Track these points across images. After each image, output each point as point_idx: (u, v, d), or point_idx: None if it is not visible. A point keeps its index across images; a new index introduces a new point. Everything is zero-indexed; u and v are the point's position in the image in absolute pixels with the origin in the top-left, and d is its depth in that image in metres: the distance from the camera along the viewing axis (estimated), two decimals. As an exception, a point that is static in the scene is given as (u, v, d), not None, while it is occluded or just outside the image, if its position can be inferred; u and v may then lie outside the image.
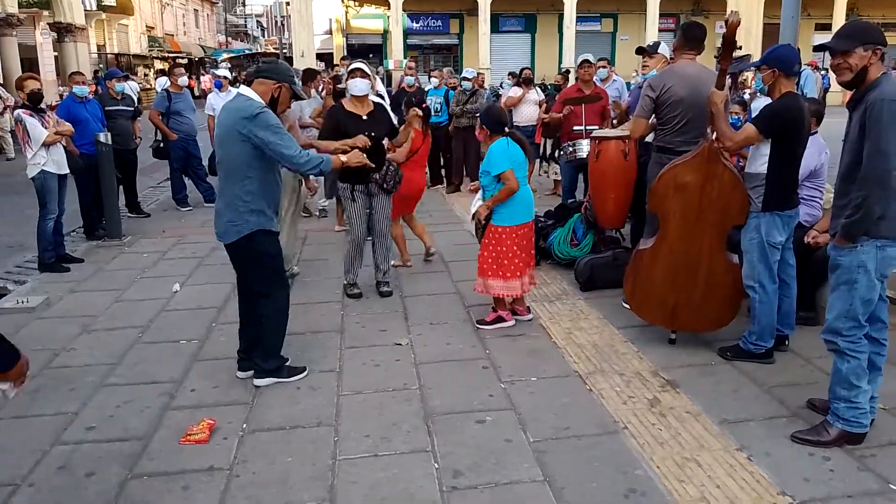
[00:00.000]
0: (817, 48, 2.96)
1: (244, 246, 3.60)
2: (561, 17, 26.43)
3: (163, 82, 20.62)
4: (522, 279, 4.45)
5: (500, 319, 4.55)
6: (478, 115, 9.62)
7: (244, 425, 3.36)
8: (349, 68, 5.06)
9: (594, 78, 7.23)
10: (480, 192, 4.51)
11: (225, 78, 9.35)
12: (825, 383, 3.27)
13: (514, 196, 4.29)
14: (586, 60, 6.91)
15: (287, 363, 3.88)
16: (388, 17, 26.19)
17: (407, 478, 2.91)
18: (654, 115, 4.52)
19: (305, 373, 3.86)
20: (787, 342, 4.07)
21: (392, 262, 5.52)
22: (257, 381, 3.75)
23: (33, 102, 5.98)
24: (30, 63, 20.59)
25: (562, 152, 6.43)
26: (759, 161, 3.69)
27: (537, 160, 9.39)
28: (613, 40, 29.00)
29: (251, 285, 3.75)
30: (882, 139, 2.78)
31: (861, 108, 2.88)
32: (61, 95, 14.36)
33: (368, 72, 4.98)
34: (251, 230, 3.54)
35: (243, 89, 3.55)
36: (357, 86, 4.87)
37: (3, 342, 1.96)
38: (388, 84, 17.20)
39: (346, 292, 5.23)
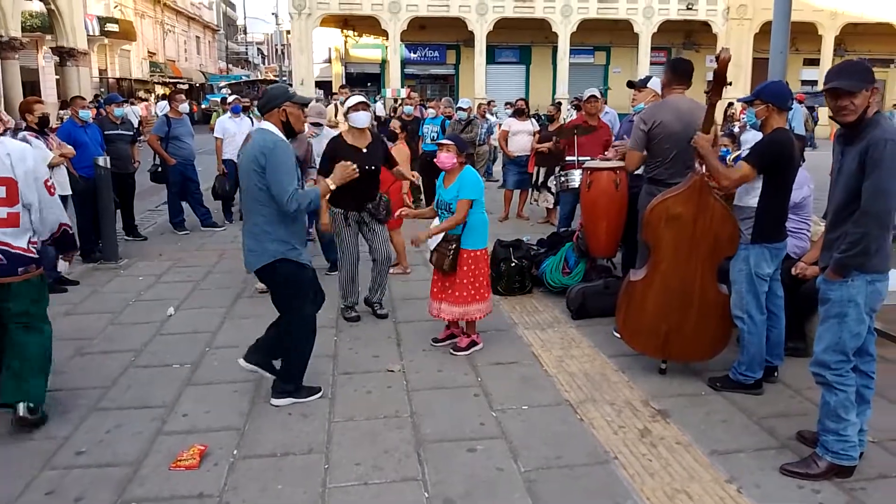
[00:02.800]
0: (828, 89, 2.98)
1: (266, 273, 3.73)
2: (555, 49, 26.87)
3: (163, 107, 20.98)
4: (491, 298, 4.65)
5: (473, 343, 4.63)
6: (472, 143, 9.77)
7: (235, 451, 3.35)
8: (351, 102, 5.11)
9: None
10: (437, 220, 4.59)
11: (242, 103, 9.46)
12: (814, 415, 3.29)
13: (483, 221, 4.51)
14: (594, 95, 7.08)
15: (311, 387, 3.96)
16: (387, 46, 26.58)
17: (397, 506, 2.91)
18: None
19: (321, 393, 3.92)
20: (776, 373, 4.09)
21: (392, 270, 5.69)
22: (274, 401, 3.80)
23: (41, 126, 6.09)
24: (31, 86, 20.78)
25: (554, 182, 6.52)
26: (750, 195, 3.75)
27: (530, 189, 9.48)
28: (606, 72, 29.44)
29: (277, 307, 3.87)
30: (885, 179, 2.82)
31: (860, 145, 2.90)
32: (62, 119, 14.46)
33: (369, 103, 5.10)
34: (271, 259, 3.63)
35: (265, 124, 3.65)
36: (360, 118, 5.00)
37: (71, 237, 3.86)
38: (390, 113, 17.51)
39: (343, 315, 5.30)
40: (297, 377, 3.86)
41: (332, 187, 3.79)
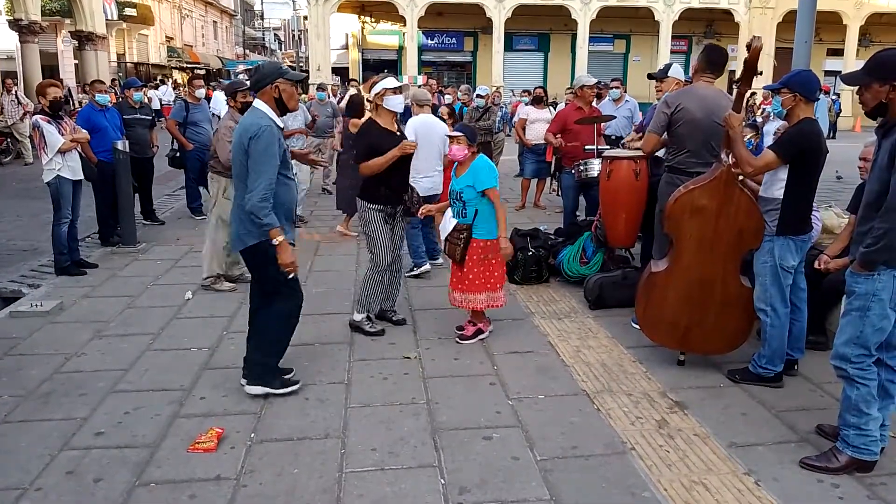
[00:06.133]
0: (843, 77, 2.94)
1: (251, 254, 3.65)
2: (574, 36, 26.56)
3: (163, 91, 21.13)
4: (503, 289, 4.59)
5: (479, 332, 4.61)
6: (488, 131, 9.72)
7: (252, 435, 3.37)
8: (391, 84, 4.72)
9: (608, 98, 7.28)
10: (450, 210, 4.53)
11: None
12: (835, 409, 3.25)
13: (496, 210, 4.44)
14: (600, 82, 7.00)
15: (289, 375, 3.90)
16: (404, 33, 26.40)
17: (413, 493, 2.91)
18: (665, 134, 4.54)
19: (297, 386, 3.82)
20: (796, 366, 4.05)
21: None
22: (248, 389, 3.75)
23: (54, 110, 6.07)
24: (50, 70, 20.90)
25: (573, 171, 6.47)
26: (776, 186, 3.68)
27: (548, 178, 9.42)
28: (626, 61, 29.10)
29: (259, 291, 3.79)
30: None
31: (892, 138, 2.86)
32: (80, 103, 14.53)
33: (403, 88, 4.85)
34: (258, 240, 3.55)
35: (257, 103, 3.58)
36: (398, 102, 4.68)
37: None
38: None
39: (364, 329, 4.70)
40: (274, 367, 3.77)
41: (283, 242, 3.51)
